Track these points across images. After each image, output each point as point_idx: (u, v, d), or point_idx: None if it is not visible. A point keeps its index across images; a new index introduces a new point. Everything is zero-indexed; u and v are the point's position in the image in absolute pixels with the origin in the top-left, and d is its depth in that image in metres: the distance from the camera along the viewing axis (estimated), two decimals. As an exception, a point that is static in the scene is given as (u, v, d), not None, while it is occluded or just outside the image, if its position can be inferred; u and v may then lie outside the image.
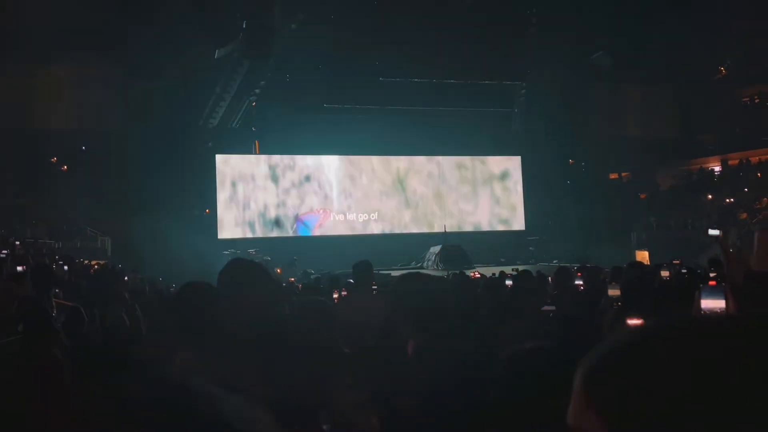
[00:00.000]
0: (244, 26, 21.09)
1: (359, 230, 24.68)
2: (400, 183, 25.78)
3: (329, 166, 25.06)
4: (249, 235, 23.26)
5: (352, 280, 5.85)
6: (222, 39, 21.25)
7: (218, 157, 23.88)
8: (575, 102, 25.40)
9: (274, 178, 24.30)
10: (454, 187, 26.22)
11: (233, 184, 23.89)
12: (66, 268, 9.83)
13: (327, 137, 23.93)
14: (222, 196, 23.65)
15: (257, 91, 23.76)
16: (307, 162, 24.81)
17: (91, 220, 20.51)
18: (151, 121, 20.97)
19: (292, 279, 13.75)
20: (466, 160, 26.50)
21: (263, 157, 24.56)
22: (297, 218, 24.28)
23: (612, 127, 25.57)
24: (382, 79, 23.97)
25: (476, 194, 26.44)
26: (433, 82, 24.47)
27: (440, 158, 26.10)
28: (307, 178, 24.73)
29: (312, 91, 23.81)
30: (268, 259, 19.98)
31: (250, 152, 24.56)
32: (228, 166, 24.06)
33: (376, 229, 25.00)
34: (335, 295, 5.60)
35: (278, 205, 24.17)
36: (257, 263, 2.14)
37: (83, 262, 14.26)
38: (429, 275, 2.29)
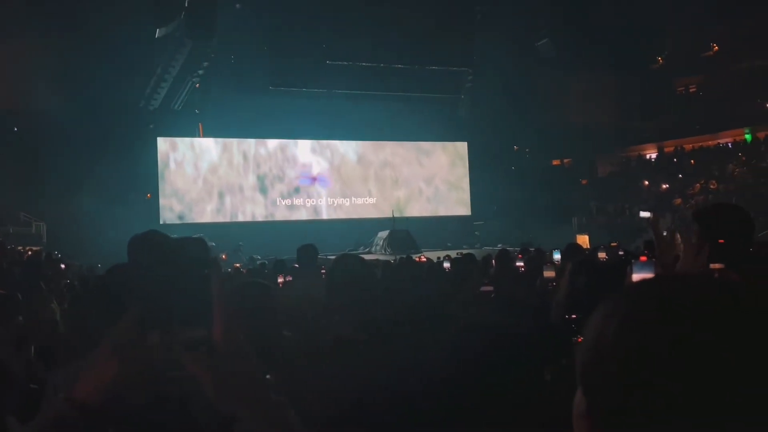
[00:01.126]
0: (186, 5, 20.42)
1: (307, 216, 24.55)
2: (348, 168, 25.71)
3: (275, 149, 24.74)
4: (193, 220, 22.76)
5: (297, 265, 5.80)
6: (163, 18, 20.53)
7: (160, 140, 23.22)
8: (520, 89, 25.83)
9: (219, 162, 23.83)
10: (402, 172, 26.35)
11: (176, 168, 23.31)
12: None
13: (272, 120, 23.59)
14: (164, 180, 23.04)
15: (200, 72, 23.12)
16: (253, 145, 24.42)
17: (25, 204, 19.65)
18: (89, 102, 20.17)
19: (238, 264, 13.56)
20: (413, 145, 26.65)
21: (207, 140, 24.02)
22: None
23: (555, 114, 26.14)
24: (329, 63, 23.74)
25: (423, 179, 26.66)
26: (381, 66, 24.39)
27: (388, 143, 26.15)
28: (253, 162, 24.36)
29: (257, 73, 23.37)
30: (213, 244, 19.63)
31: (193, 135, 23.96)
32: (170, 149, 23.43)
33: (324, 214, 24.90)
34: (280, 280, 5.54)
35: (223, 190, 23.74)
36: (163, 237, 2.04)
37: (16, 248, 13.67)
38: (359, 257, 2.28)
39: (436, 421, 1.33)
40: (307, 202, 24.86)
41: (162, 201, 22.88)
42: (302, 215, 24.45)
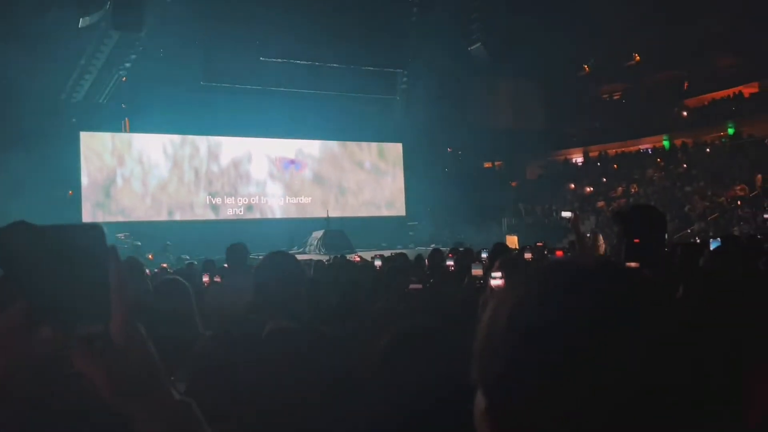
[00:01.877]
0: (112, -6, 19.62)
1: (238, 215, 24.10)
2: (282, 167, 25.43)
3: (206, 146, 24.17)
4: (118, 219, 21.91)
5: (226, 265, 5.67)
6: (88, 6, 19.64)
7: (83, 135, 22.22)
8: (454, 91, 26.28)
9: (146, 158, 23.05)
10: (337, 172, 26.29)
11: (100, 164, 22.38)
12: None
13: (203, 117, 23.02)
14: (87, 176, 22.08)
15: (128, 65, 22.25)
16: (182, 142, 23.76)
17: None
18: (6, 94, 19.05)
19: (165, 264, 13.15)
20: (348, 145, 26.64)
21: (133, 135, 23.16)
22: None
23: (487, 117, 26.73)
24: (263, 59, 23.37)
25: (358, 180, 26.69)
26: (316, 65, 24.24)
27: (323, 143, 26.03)
28: (183, 160, 23.71)
29: (188, 67, 22.72)
30: (139, 244, 18.97)
31: (119, 130, 23.06)
32: (94, 144, 22.48)
33: (256, 214, 24.52)
34: (205, 279, 5.40)
35: (150, 187, 22.99)
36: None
37: None
38: (289, 254, 2.25)
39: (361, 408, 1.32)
40: (239, 201, 24.42)
41: (85, 198, 21.92)
42: (233, 214, 23.98)
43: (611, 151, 29.50)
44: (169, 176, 23.35)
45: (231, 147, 24.48)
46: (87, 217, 21.50)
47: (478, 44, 24.69)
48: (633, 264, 1.96)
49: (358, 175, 26.74)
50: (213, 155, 24.21)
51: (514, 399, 0.52)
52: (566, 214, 3.06)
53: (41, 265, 0.61)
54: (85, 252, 0.62)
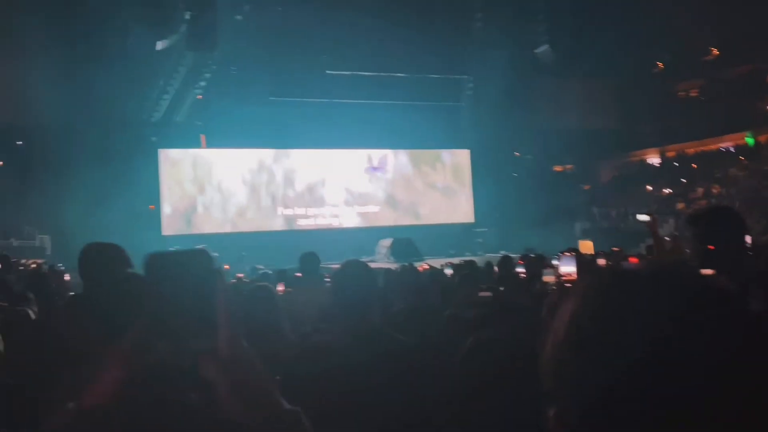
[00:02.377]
0: (187, 17, 20.56)
1: (308, 225, 24.56)
2: (349, 177, 25.75)
3: (278, 159, 24.82)
4: (195, 231, 22.80)
5: (299, 274, 5.82)
6: (164, 30, 20.67)
7: (162, 152, 23.31)
8: (520, 95, 25.89)
9: (221, 173, 23.90)
10: (404, 180, 26.37)
11: (178, 179, 23.39)
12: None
13: (273, 130, 23.66)
14: (166, 191, 23.12)
15: (202, 83, 23.25)
16: (253, 155, 24.50)
17: (29, 217, 19.72)
18: (91, 116, 20.28)
19: (240, 275, 13.56)
20: (415, 153, 26.70)
21: (209, 150, 24.09)
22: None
23: (556, 119, 26.17)
24: (329, 72, 23.83)
25: (425, 187, 26.67)
26: (381, 75, 24.48)
27: (389, 152, 26.20)
28: (255, 172, 24.43)
29: (258, 83, 23.47)
30: (216, 254, 19.65)
31: (195, 146, 24.05)
32: (173, 160, 23.53)
33: (326, 223, 24.91)
34: (280, 288, 5.56)
35: (225, 200, 23.80)
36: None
37: (20, 261, 13.70)
38: (363, 263, 2.34)
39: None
40: (309, 211, 24.88)
41: (164, 212, 22.95)
42: (305, 225, 24.46)
43: (690, 151, 28.23)
44: (241, 189, 24.10)
45: (300, 158, 25.03)
46: (167, 230, 22.50)
47: (544, 46, 24.26)
48: (708, 271, 1.87)
49: (426, 182, 26.73)
50: (284, 168, 24.82)
51: (575, 408, 0.53)
52: (643, 217, 2.96)
53: (161, 288, 0.69)
54: (194, 275, 0.69)
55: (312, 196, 24.99)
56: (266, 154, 24.67)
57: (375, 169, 25.74)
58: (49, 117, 20.54)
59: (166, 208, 23.02)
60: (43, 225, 20.03)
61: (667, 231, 18.04)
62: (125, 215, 19.96)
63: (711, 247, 1.87)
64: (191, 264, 0.70)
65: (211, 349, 0.71)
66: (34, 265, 13.17)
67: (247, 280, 10.12)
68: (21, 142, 21.86)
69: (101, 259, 2.48)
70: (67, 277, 11.20)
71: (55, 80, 19.58)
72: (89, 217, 17.95)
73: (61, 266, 13.09)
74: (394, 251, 20.12)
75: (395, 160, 26.48)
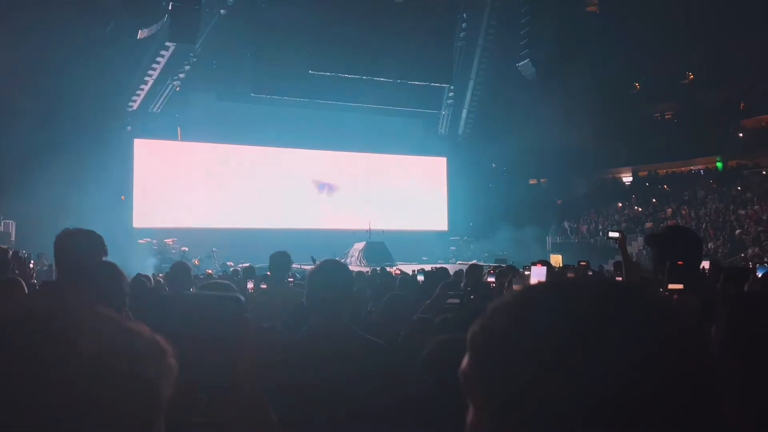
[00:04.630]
0: (170, 8, 20.32)
1: (282, 224, 24.42)
2: (326, 178, 25.70)
3: (254, 156, 24.64)
4: (167, 225, 22.49)
5: (269, 273, 5.76)
6: (146, 19, 20.39)
7: (137, 142, 22.99)
8: (500, 107, 26.15)
9: (196, 167, 23.64)
10: (380, 185, 26.40)
11: (152, 171, 23.07)
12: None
13: (252, 127, 23.52)
14: (139, 182, 22.79)
15: (181, 75, 22.98)
16: (230, 151, 24.29)
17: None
18: (64, 101, 19.89)
19: (210, 271, 13.43)
20: (392, 158, 26.76)
21: (185, 144, 23.82)
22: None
23: (533, 133, 26.46)
24: (312, 72, 23.78)
25: (401, 193, 26.72)
26: (363, 78, 24.51)
27: (368, 155, 26.22)
28: (230, 168, 24.22)
29: (239, 79, 23.32)
30: (186, 249, 19.43)
31: (171, 138, 23.76)
32: (147, 151, 23.21)
33: (299, 224, 24.79)
34: (250, 285, 5.51)
35: (198, 195, 23.54)
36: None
37: (-17, 245, 13.37)
38: (341, 263, 2.35)
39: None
40: (284, 211, 24.75)
41: (136, 203, 22.61)
42: (277, 224, 24.30)
43: (661, 171, 28.78)
44: (217, 185, 23.86)
45: (278, 157, 24.89)
46: (138, 222, 22.16)
47: (526, 60, 24.54)
48: (676, 286, 1.93)
49: (401, 188, 26.78)
50: (260, 165, 24.65)
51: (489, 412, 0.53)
52: (614, 234, 3.02)
53: (190, 330, 0.68)
54: (223, 322, 0.69)
55: (288, 196, 24.85)
56: (244, 151, 24.49)
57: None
58: (21, 100, 20.08)
59: (138, 200, 22.68)
60: (8, 210, 19.55)
61: (635, 248, 18.35)
62: (95, 204, 19.59)
63: (680, 263, 1.91)
64: (219, 310, 0.70)
65: (227, 390, 0.72)
66: (-3, 251, 12.86)
67: (216, 277, 10.02)
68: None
69: (74, 246, 2.42)
70: (31, 264, 10.96)
71: (26, 63, 19.18)
72: (58, 204, 17.59)
73: (25, 253, 12.81)
74: (367, 255, 20.17)
75: (370, 163, 26.49)
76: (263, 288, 5.46)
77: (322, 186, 25.63)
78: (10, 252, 11.43)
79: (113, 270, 2.04)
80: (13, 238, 18.79)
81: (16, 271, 9.30)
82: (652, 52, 26.24)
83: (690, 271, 1.97)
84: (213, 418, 0.73)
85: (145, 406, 0.56)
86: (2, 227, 19.34)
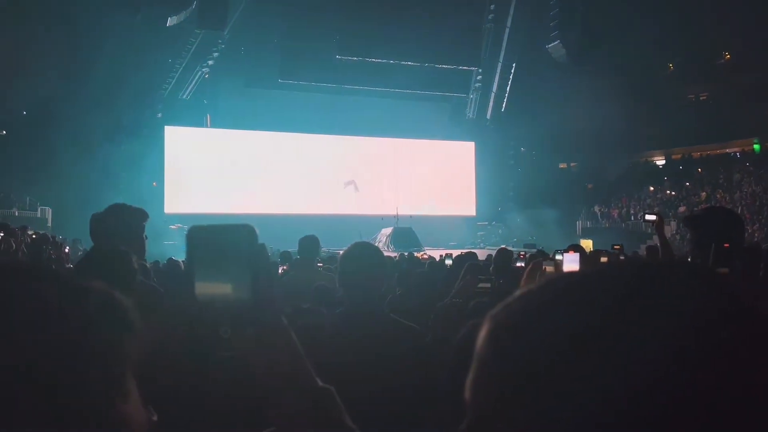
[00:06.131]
0: (198, -5, 20.46)
1: (309, 210, 24.54)
2: (354, 163, 25.71)
3: (282, 142, 24.76)
4: (197, 210, 22.77)
5: (299, 256, 5.80)
6: (175, 6, 20.55)
7: (167, 129, 23.27)
8: (529, 90, 25.78)
9: (225, 153, 23.85)
10: (408, 170, 26.31)
11: (182, 158, 23.35)
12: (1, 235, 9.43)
13: (280, 113, 23.61)
14: (170, 168, 23.09)
15: (210, 62, 23.17)
16: (259, 137, 24.45)
17: (32, 188, 19.72)
18: (97, 89, 20.21)
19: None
20: (420, 143, 26.61)
21: (214, 130, 24.04)
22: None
23: (563, 117, 26.04)
24: (339, 58, 23.73)
25: (429, 178, 26.60)
26: (390, 63, 24.37)
27: (395, 140, 26.13)
28: (259, 154, 24.38)
29: (267, 65, 23.39)
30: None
31: (201, 125, 24.00)
32: (177, 138, 23.48)
33: (327, 209, 24.88)
34: (280, 270, 5.56)
35: (228, 181, 23.77)
36: None
37: (26, 230, 13.71)
38: (373, 245, 2.33)
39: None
40: (312, 196, 24.85)
41: (167, 189, 22.93)
42: (304, 209, 24.42)
43: (695, 154, 28.12)
44: (245, 170, 24.05)
45: (306, 143, 24.97)
46: (169, 208, 22.50)
47: (556, 42, 24.12)
48: (723, 270, 1.85)
49: (429, 173, 26.65)
50: (288, 150, 24.76)
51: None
52: (650, 217, 2.91)
53: (206, 261, 0.68)
54: (238, 249, 0.69)
55: (315, 181, 24.94)
56: (272, 137, 24.61)
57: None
58: (55, 89, 20.46)
59: (169, 186, 23.00)
60: (45, 197, 20.03)
61: (668, 233, 18.03)
62: (128, 190, 19.92)
63: (726, 245, 1.84)
64: (234, 239, 0.70)
65: (253, 322, 0.71)
66: (34, 236, 13.19)
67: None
68: (25, 113, 21.80)
69: (101, 228, 2.46)
70: (66, 249, 11.24)
71: (61, 53, 19.51)
72: (92, 190, 17.95)
73: (61, 238, 13.13)
74: (395, 240, 20.18)
75: (398, 148, 26.39)
76: (285, 269, 5.52)
77: (352, 171, 25.65)
78: (48, 237, 11.72)
79: (120, 253, 2.07)
80: (49, 224, 19.28)
81: (53, 256, 9.54)
82: (686, 31, 25.52)
83: (737, 254, 1.91)
84: (238, 351, 0.72)
85: (106, 363, 0.55)
86: (39, 213, 19.84)
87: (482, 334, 0.51)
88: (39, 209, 19.95)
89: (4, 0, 17.26)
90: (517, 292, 0.52)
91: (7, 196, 19.46)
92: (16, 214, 18.39)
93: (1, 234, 9.54)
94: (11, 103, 20.89)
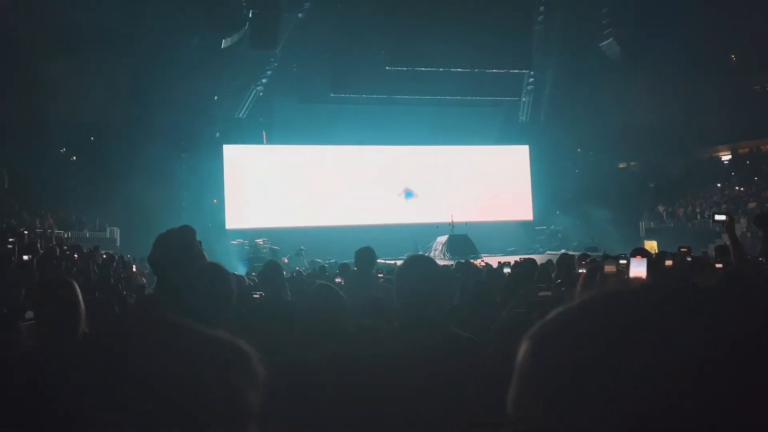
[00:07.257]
0: (250, 15, 21.04)
1: (364, 221, 24.67)
2: (408, 173, 25.74)
3: (336, 155, 25.07)
4: (257, 225, 23.30)
5: (356, 268, 5.86)
6: (228, 28, 21.21)
7: (226, 147, 23.95)
8: (583, 90, 25.22)
9: (281, 168, 24.34)
10: (462, 177, 26.13)
11: (241, 174, 23.96)
12: (76, 257, 9.91)
13: (333, 127, 23.92)
14: (230, 185, 23.73)
15: (264, 80, 23.77)
16: (314, 151, 24.84)
17: (101, 210, 20.64)
18: (158, 112, 21.01)
19: (299, 268, 13.80)
20: (474, 149, 26.43)
21: (270, 147, 24.59)
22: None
23: (620, 115, 25.33)
24: (389, 68, 23.88)
25: (484, 184, 26.35)
26: (440, 71, 24.34)
27: (448, 147, 26.03)
28: (315, 168, 24.75)
29: (318, 80, 23.79)
30: (276, 248, 20.07)
31: (257, 142, 24.60)
32: (235, 156, 24.13)
33: (382, 219, 24.96)
34: (337, 280, 5.63)
35: (286, 196, 24.22)
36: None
37: (92, 251, 14.35)
38: (430, 259, 2.34)
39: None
40: (368, 207, 24.98)
41: (228, 206, 23.56)
42: (360, 221, 24.55)
43: (764, 147, 26.82)
44: (301, 184, 24.44)
45: (359, 155, 25.21)
46: (230, 223, 23.11)
47: (609, 39, 23.55)
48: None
49: (484, 179, 26.40)
50: (342, 163, 25.06)
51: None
52: (720, 217, 2.80)
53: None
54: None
55: (371, 192, 25.08)
56: (326, 150, 24.96)
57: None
58: (118, 114, 21.41)
59: (230, 203, 23.63)
60: (113, 217, 20.93)
61: (738, 232, 17.25)
62: (191, 209, 20.65)
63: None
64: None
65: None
66: (105, 256, 13.79)
67: (305, 274, 10.30)
68: (93, 138, 22.88)
69: (163, 253, 2.51)
70: (134, 267, 11.72)
71: (124, 80, 20.40)
72: (156, 210, 18.66)
73: (129, 257, 13.69)
74: (450, 248, 20.05)
75: (452, 155, 26.27)
76: (339, 282, 5.58)
77: (406, 181, 25.70)
78: (117, 257, 12.24)
79: (217, 271, 2.13)
80: (118, 244, 20.11)
81: (123, 275, 9.94)
82: (749, 19, 24.43)
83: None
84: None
85: (234, 413, 0.57)
86: (108, 234, 20.74)
87: (522, 351, 0.57)
88: (108, 230, 20.85)
89: (69, 29, 18.15)
90: (553, 313, 0.57)
91: (79, 219, 20.43)
92: (87, 235, 19.29)
93: (76, 255, 10.04)
94: (79, 129, 21.99)
